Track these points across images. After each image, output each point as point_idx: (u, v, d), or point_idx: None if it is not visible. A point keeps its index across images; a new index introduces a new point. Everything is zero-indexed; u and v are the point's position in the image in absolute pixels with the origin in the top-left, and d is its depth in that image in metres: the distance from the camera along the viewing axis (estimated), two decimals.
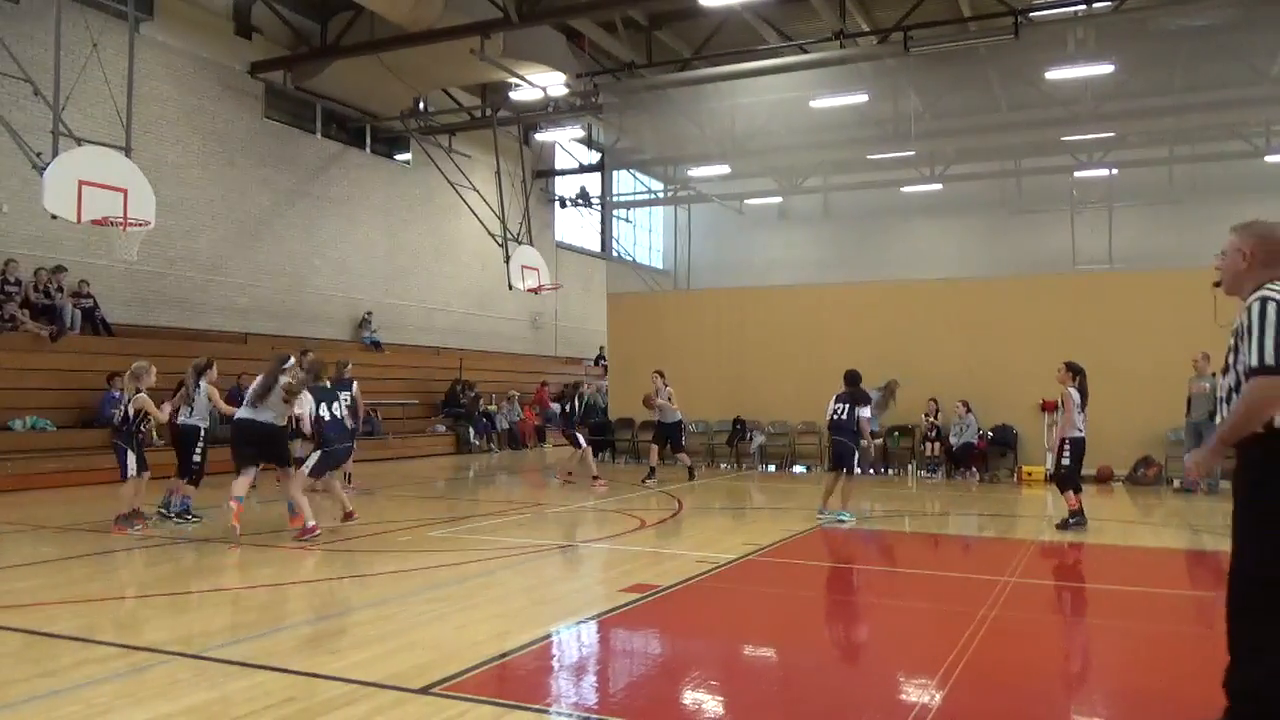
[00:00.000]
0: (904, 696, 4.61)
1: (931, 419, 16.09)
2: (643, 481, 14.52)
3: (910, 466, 16.53)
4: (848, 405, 10.65)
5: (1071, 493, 9.94)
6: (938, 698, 4.41)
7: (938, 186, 29.25)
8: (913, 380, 16.15)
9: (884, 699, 4.56)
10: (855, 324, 17.14)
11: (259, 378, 9.59)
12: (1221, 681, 3.67)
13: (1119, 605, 6.76)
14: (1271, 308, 3.49)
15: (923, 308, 16.97)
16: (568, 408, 15.14)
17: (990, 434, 15.79)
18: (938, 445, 15.99)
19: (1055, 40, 18.86)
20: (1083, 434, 10.00)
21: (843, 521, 10.37)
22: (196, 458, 9.98)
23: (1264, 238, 3.72)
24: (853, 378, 10.90)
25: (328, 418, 9.57)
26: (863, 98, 22.22)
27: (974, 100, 24.16)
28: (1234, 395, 3.63)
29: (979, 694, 4.55)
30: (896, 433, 16.75)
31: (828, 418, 10.83)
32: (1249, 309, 3.57)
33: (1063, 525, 9.88)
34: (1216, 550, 9.25)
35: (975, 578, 7.79)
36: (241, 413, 9.56)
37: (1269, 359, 3.45)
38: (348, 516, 9.85)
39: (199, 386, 10.01)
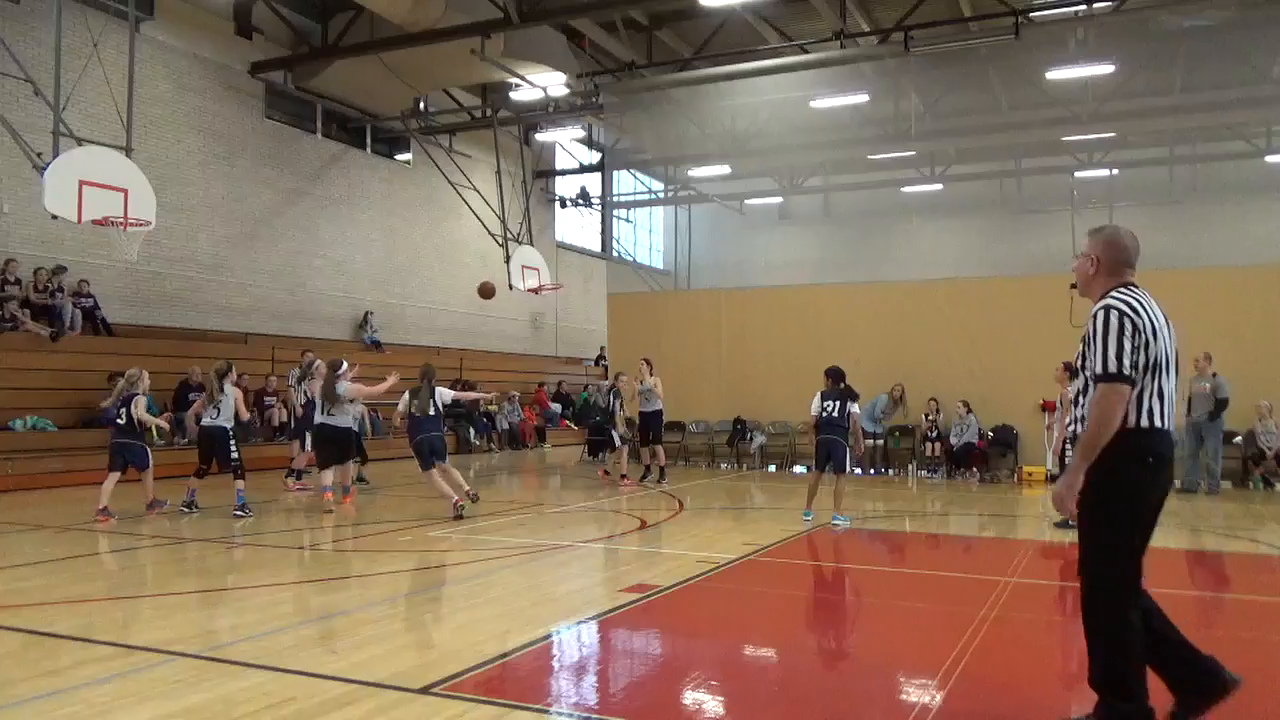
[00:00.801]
0: (904, 696, 4.61)
1: (932, 419, 16.08)
2: (650, 481, 14.53)
3: (910, 467, 16.53)
4: (838, 402, 10.46)
5: None
6: (938, 698, 4.41)
7: (938, 186, 29.29)
8: (913, 380, 16.19)
9: (885, 699, 4.56)
10: (856, 324, 17.14)
11: (319, 384, 11.21)
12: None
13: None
14: (1114, 316, 3.68)
15: (923, 308, 16.97)
16: (608, 404, 15.24)
17: (991, 434, 15.79)
18: (938, 445, 15.99)
19: (1056, 40, 18.87)
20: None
21: (838, 525, 10.30)
22: (235, 454, 10.54)
23: (1110, 243, 3.90)
24: (837, 374, 10.73)
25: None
26: (863, 98, 22.23)
27: (974, 100, 24.18)
28: (1081, 398, 3.81)
29: (979, 694, 4.54)
30: (897, 433, 16.75)
31: (815, 415, 10.57)
32: (1094, 317, 3.75)
33: (1062, 524, 9.85)
34: (1218, 551, 9.27)
35: (976, 578, 7.79)
36: (319, 418, 11.18)
37: (1111, 366, 3.63)
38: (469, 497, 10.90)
39: (224, 390, 10.47)
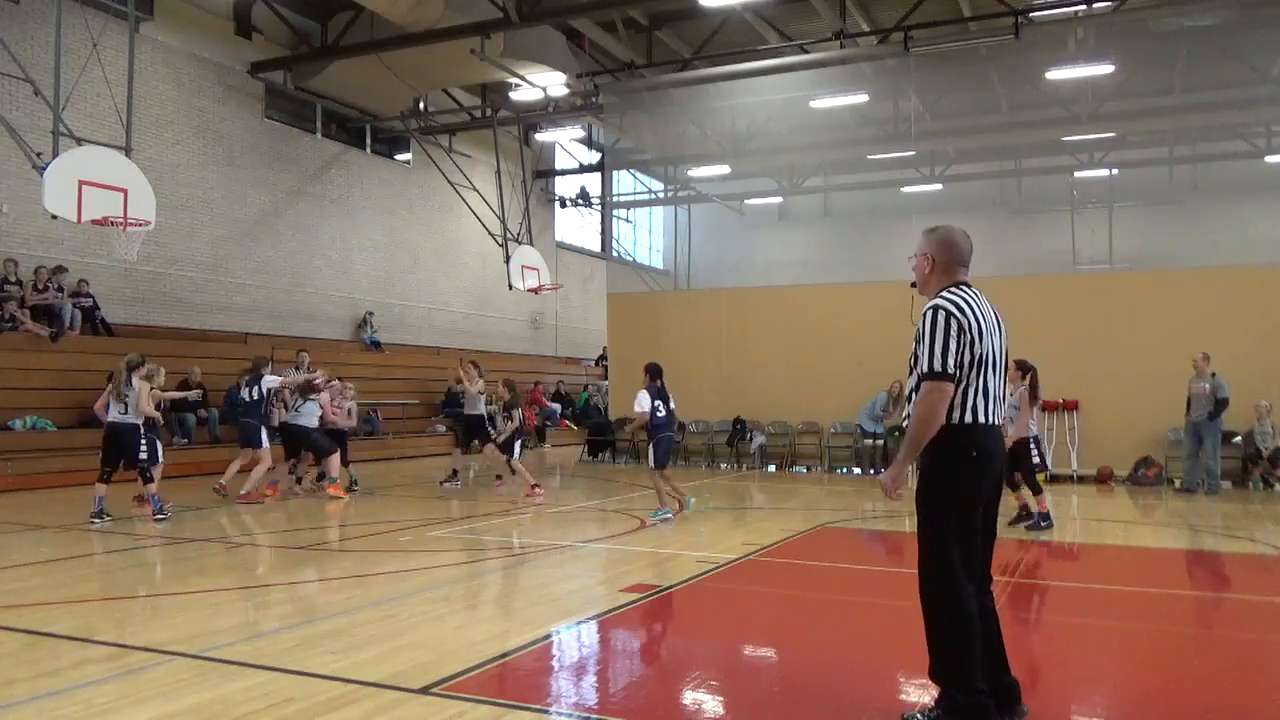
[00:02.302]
0: (904, 696, 4.60)
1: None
2: (443, 484, 14.02)
3: (911, 467, 16.51)
4: (663, 400, 10.75)
5: (1038, 494, 9.82)
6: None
7: (938, 187, 29.28)
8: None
9: (884, 699, 4.55)
10: (855, 324, 17.13)
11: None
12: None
13: (1119, 605, 6.76)
14: (941, 315, 3.79)
15: (922, 309, 16.96)
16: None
17: None
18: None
19: (1055, 40, 18.86)
20: (1036, 433, 10.17)
21: (668, 519, 10.36)
22: (143, 455, 10.34)
23: (944, 243, 4.01)
24: (657, 370, 10.98)
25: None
26: (863, 98, 22.23)
27: (974, 100, 24.17)
28: (913, 395, 3.88)
29: None
30: (896, 433, 16.74)
31: (645, 413, 10.61)
32: (923, 316, 3.86)
33: (1034, 526, 9.72)
34: (1217, 551, 9.27)
35: None
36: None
37: (936, 365, 3.76)
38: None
39: (131, 383, 10.15)
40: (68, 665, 4.84)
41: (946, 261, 4.01)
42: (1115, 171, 28.02)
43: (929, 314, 3.84)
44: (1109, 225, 27.84)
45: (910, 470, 4.05)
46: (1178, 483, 14.18)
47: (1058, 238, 27.84)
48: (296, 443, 12.44)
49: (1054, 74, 20.43)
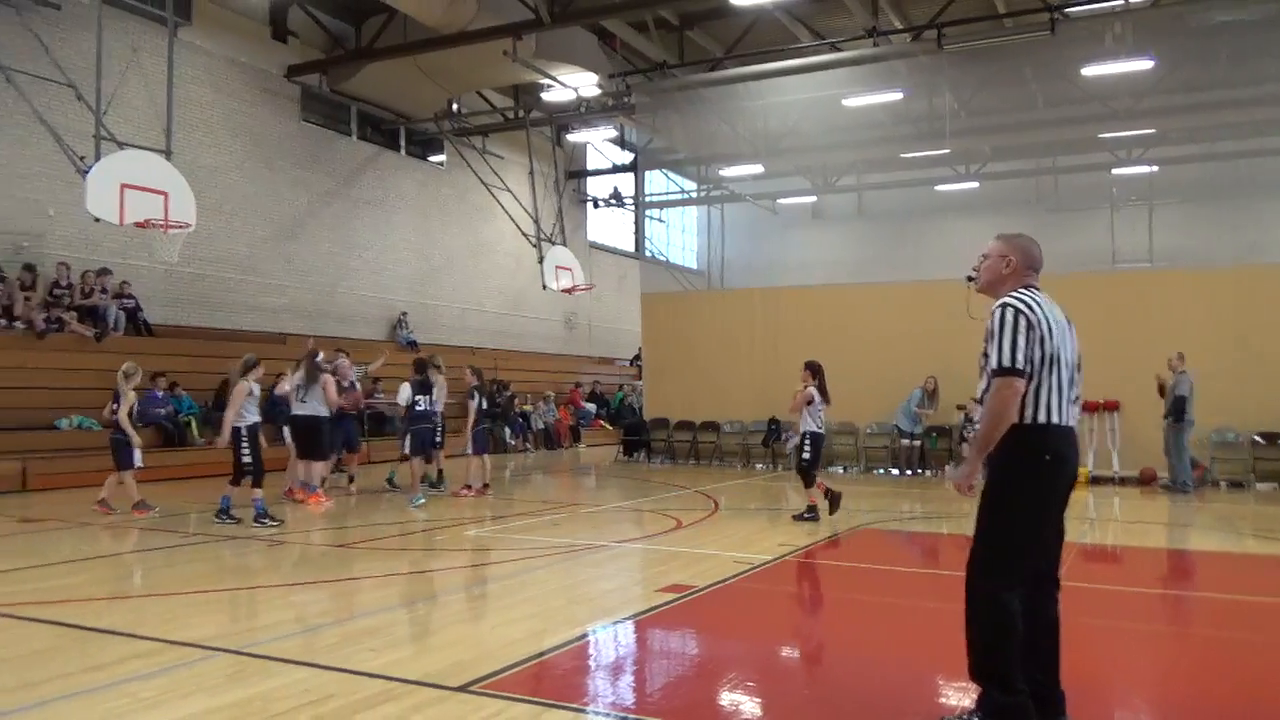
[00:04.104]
0: (944, 699, 4.56)
1: (969, 417, 15.89)
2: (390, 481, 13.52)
3: (948, 468, 16.38)
4: (427, 395, 11.99)
5: (808, 486, 10.41)
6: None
7: (973, 185, 28.97)
8: (951, 380, 16.03)
9: (923, 702, 4.52)
10: (890, 324, 17.01)
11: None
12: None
13: (1160, 609, 6.67)
14: (1009, 313, 3.82)
15: (959, 307, 16.76)
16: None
17: None
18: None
19: (1093, 36, 18.59)
20: (821, 430, 10.56)
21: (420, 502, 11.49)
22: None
23: (1025, 250, 4.08)
24: (422, 365, 12.32)
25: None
26: (897, 95, 22.05)
27: (1010, 97, 23.86)
28: (984, 396, 3.89)
29: None
30: (934, 434, 16.60)
31: (406, 406, 12.07)
32: (992, 314, 3.90)
33: (800, 517, 10.27)
34: (1262, 554, 9.10)
35: None
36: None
37: (1005, 361, 3.77)
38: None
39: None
40: (114, 660, 4.92)
41: (1024, 267, 4.05)
42: (1155, 168, 27.58)
43: (998, 312, 3.87)
44: (1149, 223, 27.41)
45: (981, 470, 3.99)
46: (1224, 484, 13.94)
47: (1096, 236, 27.42)
48: (306, 436, 11.80)
49: (1091, 70, 20.13)
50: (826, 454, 17.63)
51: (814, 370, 10.54)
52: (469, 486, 12.54)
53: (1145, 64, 19.43)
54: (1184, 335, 14.61)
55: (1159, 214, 27.67)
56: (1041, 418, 3.81)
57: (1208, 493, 13.75)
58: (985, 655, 3.84)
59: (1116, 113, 22.32)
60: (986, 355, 3.88)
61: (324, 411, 11.66)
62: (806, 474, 10.45)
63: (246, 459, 9.87)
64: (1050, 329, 3.84)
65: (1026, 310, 3.82)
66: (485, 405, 12.58)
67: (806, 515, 10.30)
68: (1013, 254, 4.07)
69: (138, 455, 10.36)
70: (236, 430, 9.89)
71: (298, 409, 11.71)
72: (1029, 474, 3.84)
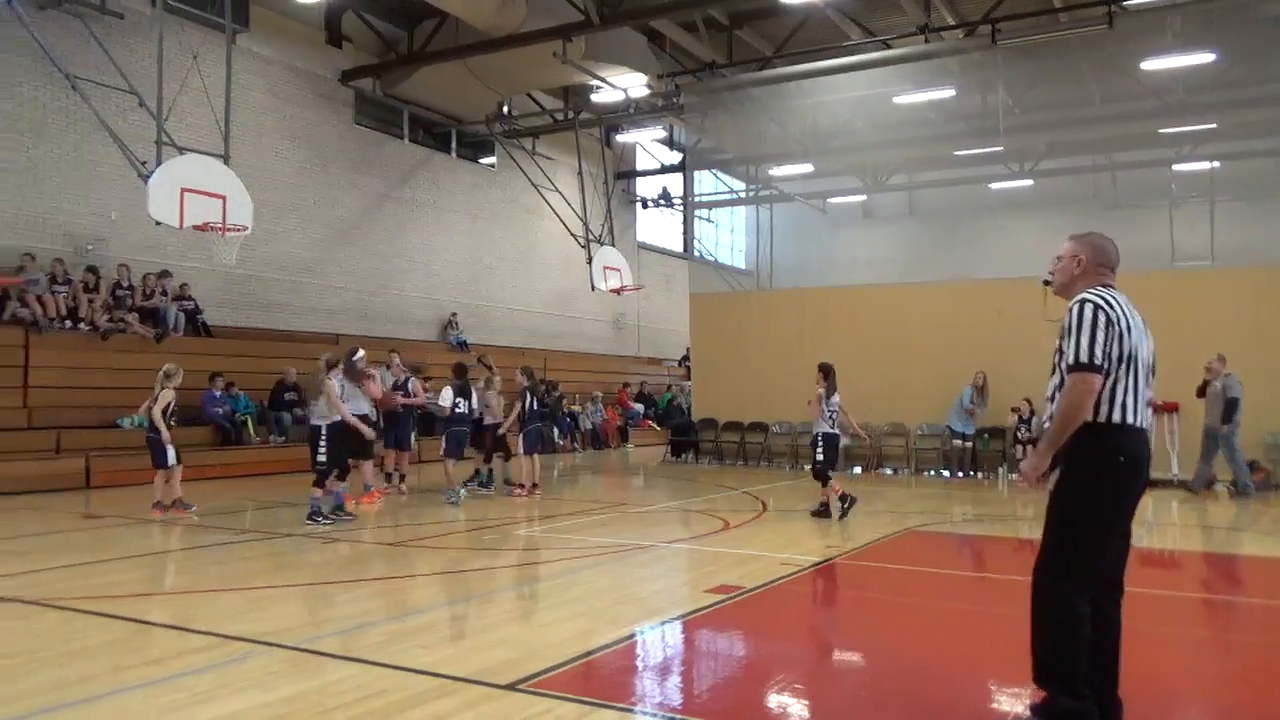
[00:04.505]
0: (995, 705, 4.50)
1: (1022, 418, 15.64)
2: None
3: (1001, 470, 16.13)
4: (463, 398, 12.39)
5: (824, 485, 10.74)
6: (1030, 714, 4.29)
7: (1028, 182, 28.51)
8: (1004, 381, 15.79)
9: (974, 706, 4.46)
10: (942, 324, 16.81)
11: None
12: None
13: (1221, 615, 6.51)
14: (1089, 309, 3.78)
15: (1012, 306, 16.48)
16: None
17: None
18: (1031, 448, 15.52)
19: (1152, 29, 18.20)
20: (835, 431, 10.92)
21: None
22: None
23: (1095, 246, 4.05)
24: (460, 369, 12.81)
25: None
26: (949, 92, 21.79)
27: (1065, 93, 23.44)
28: (1058, 394, 3.86)
29: None
30: (986, 435, 16.36)
31: (449, 408, 12.33)
32: (1070, 310, 3.86)
33: (816, 514, 10.67)
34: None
35: None
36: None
37: (1083, 357, 3.72)
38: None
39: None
40: (171, 654, 5.04)
41: (1096, 264, 4.01)
42: (1216, 164, 26.91)
43: (1075, 307, 3.83)
44: (1210, 220, 26.77)
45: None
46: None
47: (1155, 233, 26.83)
48: (351, 436, 11.39)
49: (1150, 64, 19.72)
50: (875, 454, 17.59)
51: (826, 372, 10.90)
52: (521, 486, 12.63)
53: (1206, 57, 19.00)
54: (1245, 335, 14.25)
55: (1220, 211, 27.00)
56: (1116, 417, 3.76)
57: (1271, 497, 13.39)
58: (1051, 658, 3.79)
59: (1176, 107, 21.83)
60: (1061, 351, 3.84)
61: (366, 410, 11.60)
62: (821, 474, 10.77)
63: (322, 457, 9.95)
64: (1128, 327, 3.79)
65: (1105, 306, 3.78)
66: (535, 405, 12.65)
67: (819, 511, 10.69)
68: (1083, 253, 4.03)
69: (171, 453, 10.35)
70: (317, 428, 10.01)
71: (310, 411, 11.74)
72: (1102, 475, 3.79)
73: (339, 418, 10.07)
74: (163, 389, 10.39)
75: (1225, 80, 21.15)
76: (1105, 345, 3.73)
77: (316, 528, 9.62)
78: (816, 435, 10.88)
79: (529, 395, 12.57)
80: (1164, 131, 24.54)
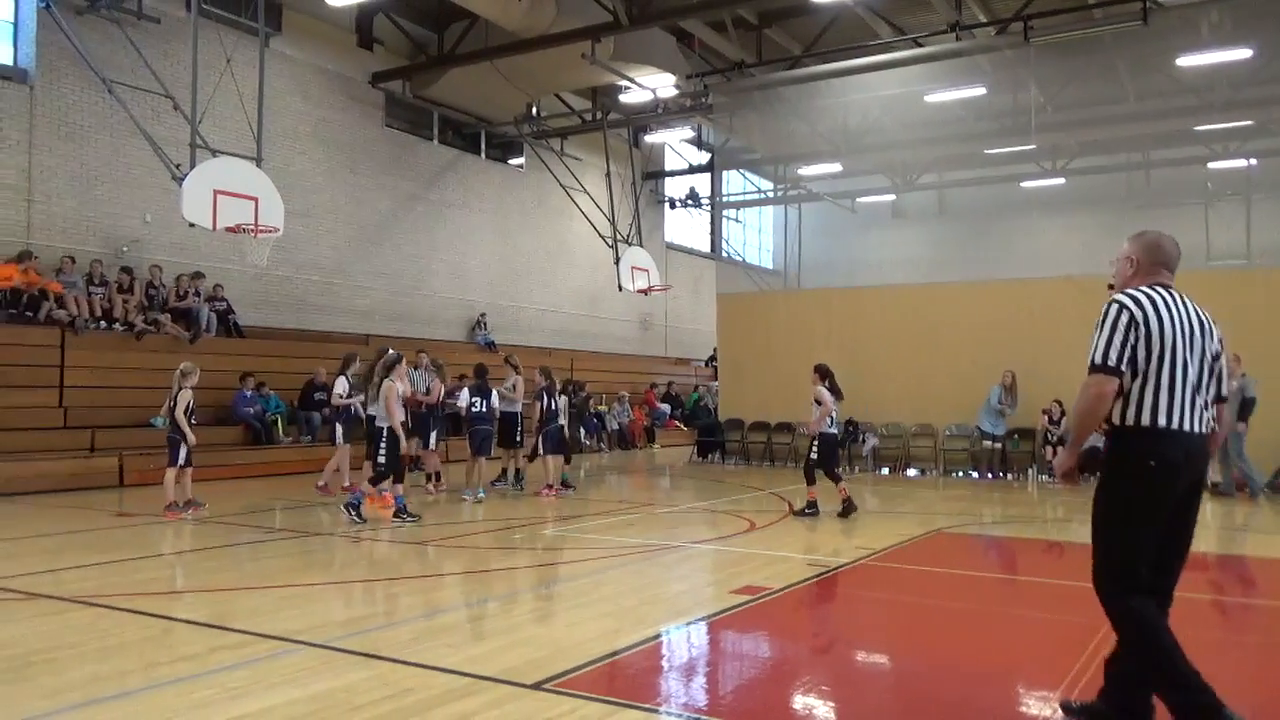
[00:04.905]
0: (1024, 709, 4.47)
1: (1053, 419, 15.48)
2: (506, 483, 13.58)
3: (1030, 471, 15.99)
4: (482, 397, 12.55)
5: (810, 484, 10.92)
6: (1060, 712, 4.26)
7: (1059, 181, 28.19)
8: (1035, 381, 15.65)
9: (1003, 710, 4.43)
10: (972, 324, 16.69)
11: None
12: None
13: (1257, 620, 6.42)
14: (1114, 310, 3.75)
15: (1044, 307, 16.38)
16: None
17: None
18: (1060, 450, 15.35)
19: (1188, 25, 17.96)
20: (835, 432, 11.21)
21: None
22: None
23: (1149, 245, 3.97)
24: (480, 370, 12.91)
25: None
26: (980, 91, 21.60)
27: (1099, 90, 23.17)
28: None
29: None
30: (1016, 435, 16.21)
31: (466, 407, 12.65)
32: (1102, 311, 3.81)
33: (799, 513, 10.79)
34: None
35: None
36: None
37: (1098, 358, 3.71)
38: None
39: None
40: (203, 651, 5.10)
41: (1150, 264, 3.94)
42: (1253, 161, 26.48)
43: (1104, 308, 3.81)
44: (1246, 218, 26.34)
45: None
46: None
47: (1190, 232, 26.31)
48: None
49: (1186, 60, 19.45)
50: (903, 455, 17.49)
51: (823, 373, 11.09)
52: (550, 486, 12.67)
53: (1243, 53, 18.71)
54: None
55: (1257, 209, 26.56)
56: (1146, 420, 3.70)
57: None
58: (1151, 667, 3.71)
59: (1212, 104, 21.52)
60: None
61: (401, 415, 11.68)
62: (810, 472, 10.97)
63: (382, 458, 10.02)
64: (1164, 326, 3.70)
65: (1133, 307, 3.73)
66: (556, 406, 12.72)
67: (807, 511, 10.77)
68: (1136, 253, 3.98)
69: (183, 453, 10.30)
70: (380, 430, 10.04)
71: (371, 410, 11.54)
72: (1133, 480, 3.73)
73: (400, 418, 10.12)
74: (180, 389, 10.38)
75: (1262, 76, 20.82)
76: (1125, 348, 3.69)
77: (352, 524, 9.68)
78: (814, 435, 11.07)
79: (545, 395, 12.68)
80: (1199, 129, 24.19)
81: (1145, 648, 3.69)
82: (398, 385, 10.15)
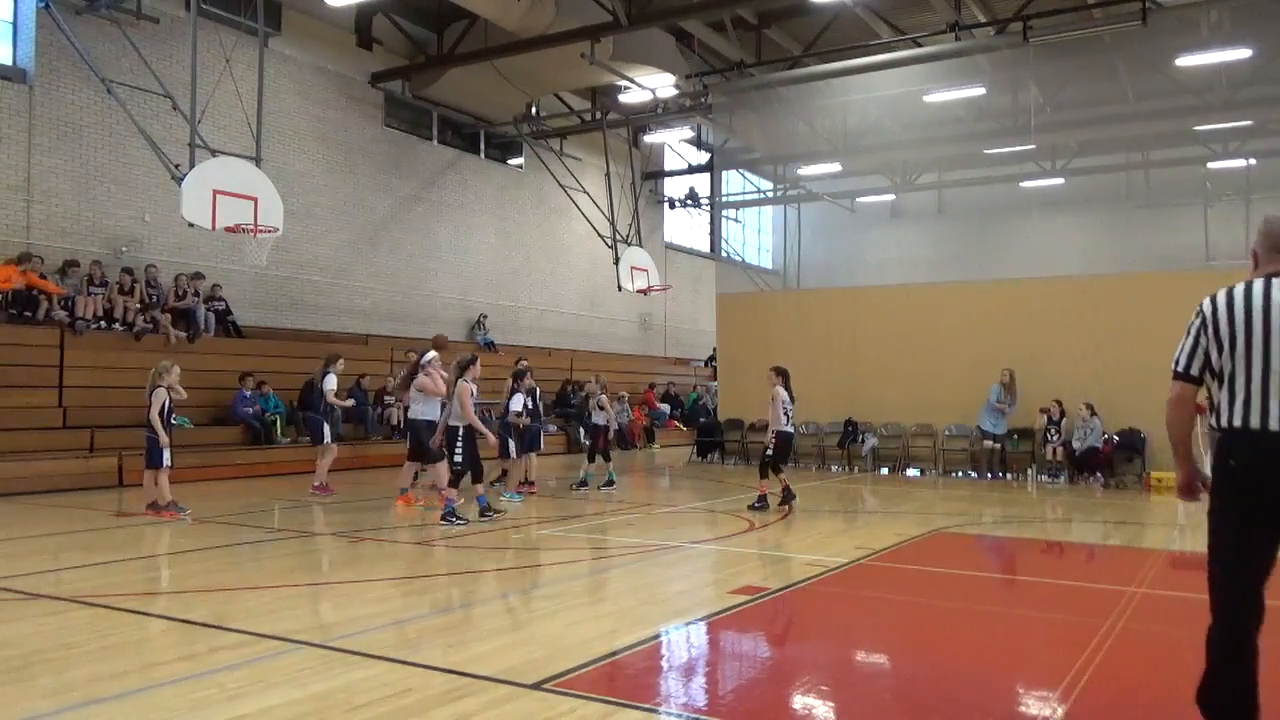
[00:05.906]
0: (1024, 709, 4.47)
1: (1052, 419, 15.49)
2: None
3: (1030, 471, 16.00)
4: (524, 396, 12.59)
5: (762, 478, 11.38)
6: (1060, 711, 4.27)
7: (1059, 181, 28.19)
8: (1034, 381, 15.66)
9: (1003, 710, 4.43)
10: (972, 324, 16.69)
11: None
12: None
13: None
14: (1195, 314, 3.65)
15: (1043, 306, 16.40)
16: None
17: (1116, 438, 15.15)
18: (1060, 449, 15.40)
19: (1186, 25, 17.97)
20: (790, 430, 11.60)
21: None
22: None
23: (1263, 234, 3.72)
24: (521, 373, 12.93)
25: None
26: (979, 91, 21.61)
27: (1098, 90, 23.17)
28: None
29: (1105, 709, 4.37)
30: (1015, 435, 16.22)
31: (519, 411, 12.47)
32: None
33: (751, 507, 11.23)
34: None
35: (1101, 587, 7.48)
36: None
37: (1173, 363, 3.66)
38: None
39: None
40: (203, 650, 5.10)
41: (1269, 250, 3.66)
42: (1253, 161, 26.49)
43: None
44: (1246, 218, 26.32)
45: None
46: None
47: (1189, 232, 26.48)
48: (417, 439, 11.39)
49: (1185, 60, 19.45)
50: (902, 455, 17.50)
51: (780, 373, 11.58)
52: (529, 483, 12.90)
53: (1242, 53, 18.72)
54: None
55: (1257, 209, 26.51)
56: (1223, 421, 3.52)
57: None
58: (1205, 684, 3.62)
59: (1211, 104, 21.52)
60: None
61: (435, 415, 11.21)
62: (764, 468, 11.40)
63: (458, 459, 10.00)
64: (1235, 322, 3.47)
65: (1206, 308, 3.58)
66: (530, 405, 12.72)
67: (757, 505, 11.22)
68: (1256, 245, 3.73)
69: (167, 454, 10.15)
70: (454, 430, 10.02)
71: (412, 412, 11.42)
72: (1218, 488, 3.55)
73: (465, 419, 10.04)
74: (155, 387, 10.11)
75: (1261, 76, 20.83)
76: (1196, 351, 3.59)
77: (450, 528, 9.60)
78: (773, 433, 11.43)
79: (519, 395, 12.67)
80: (1199, 129, 24.20)
81: (1212, 678, 3.61)
82: (470, 386, 10.08)
